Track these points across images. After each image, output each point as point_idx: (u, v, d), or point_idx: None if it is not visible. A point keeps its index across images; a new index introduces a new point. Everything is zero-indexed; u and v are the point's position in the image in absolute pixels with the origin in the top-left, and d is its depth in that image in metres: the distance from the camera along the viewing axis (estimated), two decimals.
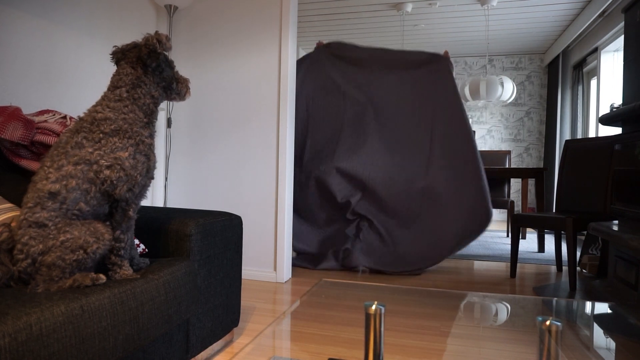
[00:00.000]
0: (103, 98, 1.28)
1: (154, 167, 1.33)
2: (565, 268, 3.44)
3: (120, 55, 1.33)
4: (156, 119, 1.37)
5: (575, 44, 5.37)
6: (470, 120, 6.97)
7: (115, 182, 1.21)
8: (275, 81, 2.94)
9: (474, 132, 6.64)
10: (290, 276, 3.02)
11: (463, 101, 6.19)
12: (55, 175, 1.16)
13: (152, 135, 1.34)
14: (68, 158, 1.19)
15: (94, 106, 1.27)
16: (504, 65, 6.84)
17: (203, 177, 3.11)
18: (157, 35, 1.29)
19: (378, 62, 3.39)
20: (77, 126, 1.24)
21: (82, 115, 1.28)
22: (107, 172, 1.20)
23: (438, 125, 3.25)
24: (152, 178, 1.34)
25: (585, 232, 4.30)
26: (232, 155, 3.04)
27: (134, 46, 1.32)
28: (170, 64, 1.40)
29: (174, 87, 1.41)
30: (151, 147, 1.32)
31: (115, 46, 1.35)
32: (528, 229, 5.82)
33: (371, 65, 3.39)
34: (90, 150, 1.20)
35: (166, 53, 1.36)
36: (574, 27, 5.13)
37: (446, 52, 3.36)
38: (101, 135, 1.22)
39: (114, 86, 1.29)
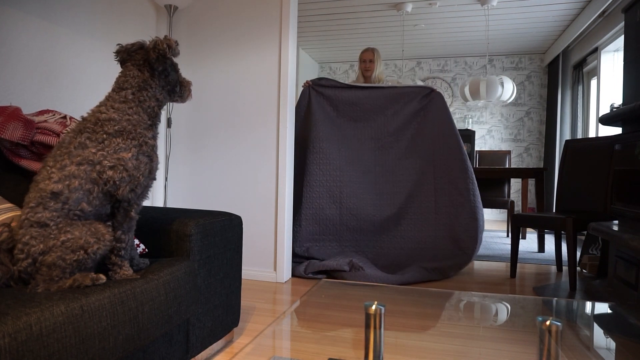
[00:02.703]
0: (107, 99, 1.28)
1: (157, 168, 1.33)
2: (565, 268, 3.44)
3: (125, 56, 1.33)
4: (159, 121, 1.37)
5: (575, 44, 5.38)
6: (470, 121, 6.97)
7: (118, 182, 1.21)
8: (275, 81, 2.94)
9: (471, 138, 6.63)
10: (290, 276, 3.02)
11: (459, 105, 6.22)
12: (58, 175, 1.16)
13: (155, 137, 1.34)
14: (71, 158, 1.19)
15: (98, 106, 1.27)
16: (504, 65, 6.84)
17: (203, 177, 3.11)
18: (167, 40, 1.29)
19: (370, 99, 3.45)
20: (81, 126, 1.24)
21: (85, 115, 1.28)
22: (110, 172, 1.20)
23: (438, 157, 3.31)
24: (155, 179, 1.34)
25: (585, 232, 4.30)
26: (232, 155, 3.04)
27: (139, 47, 1.32)
28: (175, 68, 1.39)
29: (177, 90, 1.41)
30: (154, 148, 1.32)
31: (119, 44, 1.34)
32: (528, 229, 5.82)
33: (363, 102, 3.45)
34: (93, 150, 1.20)
35: (174, 58, 1.35)
36: (574, 27, 5.13)
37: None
38: (105, 135, 1.22)
39: (119, 87, 1.29)
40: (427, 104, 3.40)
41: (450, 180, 3.25)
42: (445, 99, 7.00)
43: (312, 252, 3.27)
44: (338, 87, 3.47)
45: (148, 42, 1.31)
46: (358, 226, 3.35)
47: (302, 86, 3.53)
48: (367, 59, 3.73)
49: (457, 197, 3.22)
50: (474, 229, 3.15)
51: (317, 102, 3.45)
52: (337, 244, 3.33)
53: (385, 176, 3.41)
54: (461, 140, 3.29)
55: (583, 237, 4.86)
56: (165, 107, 3.15)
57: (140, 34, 2.94)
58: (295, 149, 3.43)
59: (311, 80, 3.50)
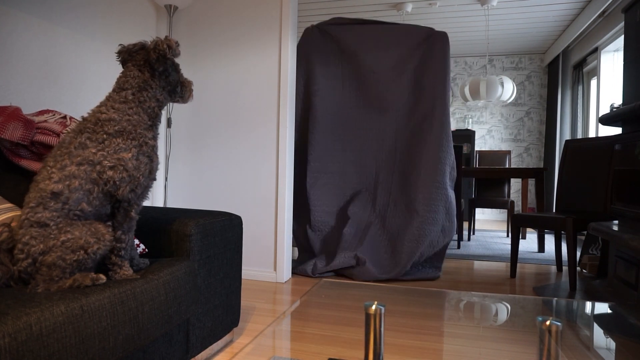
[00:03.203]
0: (108, 99, 1.28)
1: (157, 169, 1.34)
2: (565, 268, 3.44)
3: (126, 56, 1.33)
4: (160, 122, 1.37)
5: (575, 44, 5.38)
6: (470, 121, 6.97)
7: (118, 182, 1.21)
8: (275, 81, 2.94)
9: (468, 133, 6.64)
10: (290, 276, 3.02)
11: (456, 96, 6.24)
12: (58, 175, 1.16)
13: (155, 137, 1.34)
14: (71, 158, 1.19)
15: (98, 107, 1.27)
16: (504, 65, 6.84)
17: (203, 177, 3.11)
18: (167, 40, 1.28)
19: (375, 42, 3.37)
20: (81, 126, 1.24)
21: (85, 115, 1.28)
22: (110, 172, 1.20)
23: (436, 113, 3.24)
24: (155, 179, 1.34)
25: (585, 232, 4.30)
26: (232, 155, 3.04)
27: (141, 47, 1.32)
28: (176, 68, 1.39)
29: (178, 90, 1.41)
30: (154, 148, 1.32)
31: (121, 45, 1.34)
32: (528, 229, 5.82)
33: (367, 44, 3.38)
34: (93, 150, 1.20)
35: (174, 58, 1.35)
36: (574, 27, 5.13)
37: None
38: (105, 136, 1.22)
39: (120, 88, 1.29)
40: (429, 47, 3.28)
41: (445, 136, 3.19)
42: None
43: (314, 192, 3.30)
44: (343, 24, 3.42)
45: (149, 43, 1.31)
46: (359, 170, 3.37)
47: (306, 30, 3.51)
48: None
49: (447, 149, 3.18)
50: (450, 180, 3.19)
51: (321, 44, 3.42)
52: (341, 181, 3.35)
53: (388, 127, 3.36)
54: (449, 96, 3.23)
55: (583, 237, 4.87)
56: (165, 107, 3.16)
57: (140, 34, 2.94)
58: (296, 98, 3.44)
59: (318, 23, 3.49)
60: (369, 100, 3.39)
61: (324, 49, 3.44)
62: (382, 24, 3.41)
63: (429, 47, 3.29)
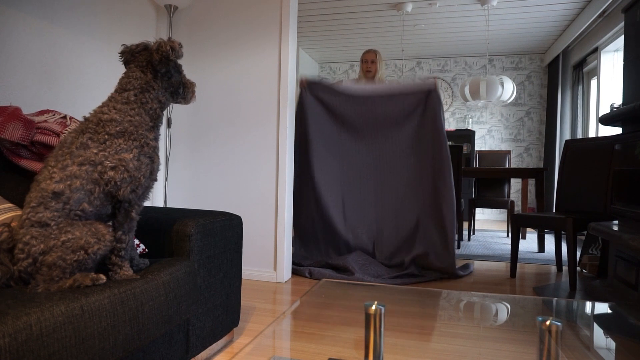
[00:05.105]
0: (110, 99, 1.28)
1: (158, 170, 1.34)
2: (565, 268, 3.44)
3: (129, 57, 1.33)
4: (161, 123, 1.37)
5: (575, 44, 5.38)
6: (470, 121, 6.97)
7: (119, 183, 1.21)
8: (275, 81, 2.94)
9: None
10: (290, 276, 3.02)
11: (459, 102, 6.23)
12: (59, 175, 1.16)
13: (156, 138, 1.34)
14: (73, 158, 1.19)
15: (100, 107, 1.27)
16: (504, 65, 6.84)
17: (203, 177, 3.11)
18: (171, 42, 1.28)
19: (367, 102, 3.41)
20: (83, 127, 1.24)
21: (87, 115, 1.28)
22: (111, 173, 1.20)
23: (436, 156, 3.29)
24: (156, 180, 1.34)
25: (585, 232, 4.30)
26: (232, 155, 3.04)
27: (144, 48, 1.31)
28: (178, 69, 1.39)
29: (181, 91, 1.41)
30: (155, 149, 1.32)
31: (124, 45, 1.34)
32: (528, 229, 5.82)
33: (360, 105, 3.42)
34: (95, 151, 1.20)
35: (177, 60, 1.35)
36: (574, 27, 5.13)
37: (435, 81, 3.34)
38: (106, 136, 1.22)
39: (122, 88, 1.29)
40: (425, 106, 3.36)
41: (443, 177, 3.22)
42: (445, 99, 7.04)
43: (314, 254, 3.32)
44: (334, 91, 3.42)
45: (152, 43, 1.31)
46: (358, 227, 3.37)
47: (300, 86, 3.44)
48: (369, 59, 3.71)
49: (445, 192, 3.20)
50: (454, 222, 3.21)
51: (314, 106, 3.40)
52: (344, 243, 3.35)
53: (386, 180, 3.40)
54: (446, 139, 3.29)
55: (583, 237, 4.86)
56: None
57: (140, 34, 2.94)
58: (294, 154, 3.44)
59: (307, 82, 3.42)
60: (368, 167, 3.43)
61: (317, 114, 3.43)
62: (373, 89, 3.45)
63: (425, 100, 3.38)
